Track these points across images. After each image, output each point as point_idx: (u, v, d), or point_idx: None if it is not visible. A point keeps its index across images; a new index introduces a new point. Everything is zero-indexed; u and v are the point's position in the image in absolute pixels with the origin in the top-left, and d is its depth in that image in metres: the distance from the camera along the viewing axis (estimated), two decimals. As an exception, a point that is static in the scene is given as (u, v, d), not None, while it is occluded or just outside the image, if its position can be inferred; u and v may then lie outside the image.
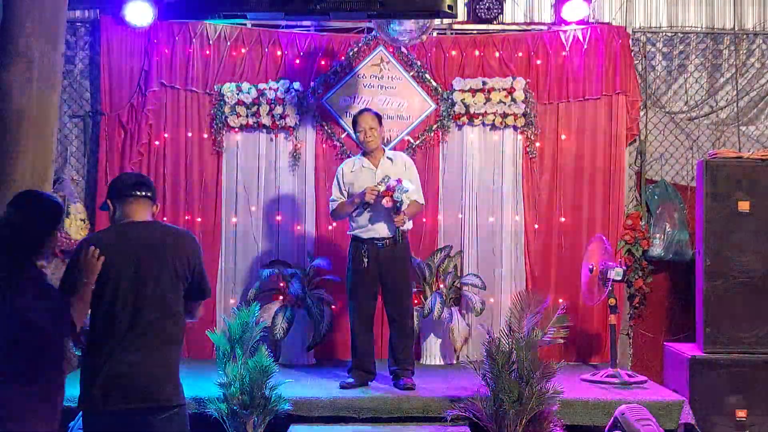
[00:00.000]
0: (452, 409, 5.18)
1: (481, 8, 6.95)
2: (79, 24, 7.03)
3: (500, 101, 6.93)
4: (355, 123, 5.90)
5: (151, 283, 3.28)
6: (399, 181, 5.58)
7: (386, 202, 5.56)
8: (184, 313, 3.41)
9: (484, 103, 6.94)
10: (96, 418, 3.23)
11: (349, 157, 6.53)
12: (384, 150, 5.93)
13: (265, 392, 5.10)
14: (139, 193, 3.41)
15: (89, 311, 3.30)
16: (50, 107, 2.86)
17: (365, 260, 5.69)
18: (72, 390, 3.36)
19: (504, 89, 6.93)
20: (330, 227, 6.94)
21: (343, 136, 7.02)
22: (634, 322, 6.99)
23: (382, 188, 5.61)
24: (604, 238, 6.27)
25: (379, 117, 5.89)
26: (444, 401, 5.32)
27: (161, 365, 3.30)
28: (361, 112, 5.93)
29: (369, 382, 5.81)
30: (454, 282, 6.79)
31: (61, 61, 2.92)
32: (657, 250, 6.83)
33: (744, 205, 5.82)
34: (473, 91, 6.94)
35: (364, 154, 5.88)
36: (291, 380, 5.60)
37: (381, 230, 5.70)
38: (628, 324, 6.96)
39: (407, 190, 5.59)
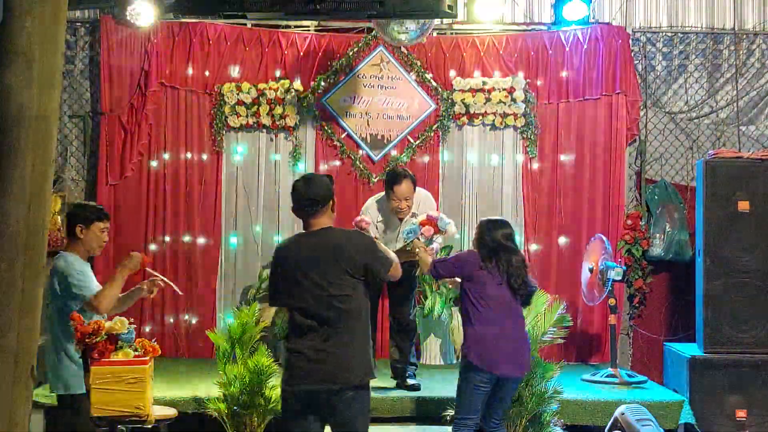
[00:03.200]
0: (452, 408, 5.17)
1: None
2: (79, 24, 7.03)
3: (500, 101, 6.93)
4: (390, 186, 5.54)
5: (318, 284, 3.69)
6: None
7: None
8: (359, 302, 3.74)
9: (484, 103, 6.94)
10: (290, 395, 3.74)
11: (348, 157, 6.53)
12: None
13: (264, 392, 5.10)
14: (306, 209, 3.77)
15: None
16: (50, 107, 2.85)
17: None
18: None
19: (504, 89, 6.93)
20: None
21: (343, 136, 7.02)
22: (634, 322, 6.99)
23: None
24: (604, 238, 6.26)
25: (415, 183, 5.59)
26: (444, 401, 5.31)
27: (338, 351, 3.69)
28: (398, 177, 5.51)
29: (369, 382, 5.83)
30: (454, 282, 6.78)
31: (61, 61, 2.90)
32: (657, 250, 6.83)
33: (744, 205, 5.82)
34: (473, 91, 6.94)
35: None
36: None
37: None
38: (628, 324, 6.96)
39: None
